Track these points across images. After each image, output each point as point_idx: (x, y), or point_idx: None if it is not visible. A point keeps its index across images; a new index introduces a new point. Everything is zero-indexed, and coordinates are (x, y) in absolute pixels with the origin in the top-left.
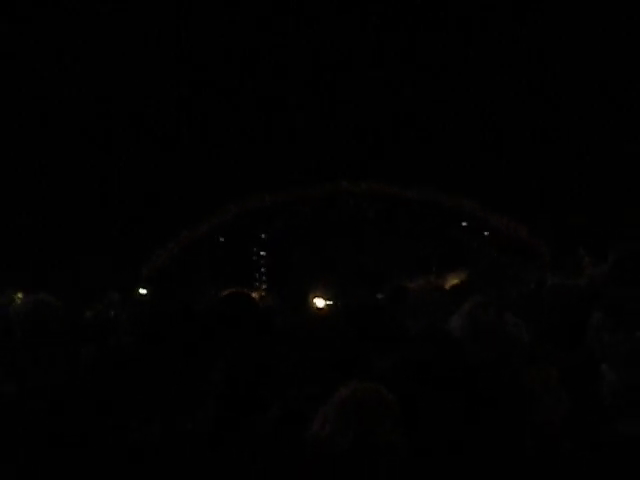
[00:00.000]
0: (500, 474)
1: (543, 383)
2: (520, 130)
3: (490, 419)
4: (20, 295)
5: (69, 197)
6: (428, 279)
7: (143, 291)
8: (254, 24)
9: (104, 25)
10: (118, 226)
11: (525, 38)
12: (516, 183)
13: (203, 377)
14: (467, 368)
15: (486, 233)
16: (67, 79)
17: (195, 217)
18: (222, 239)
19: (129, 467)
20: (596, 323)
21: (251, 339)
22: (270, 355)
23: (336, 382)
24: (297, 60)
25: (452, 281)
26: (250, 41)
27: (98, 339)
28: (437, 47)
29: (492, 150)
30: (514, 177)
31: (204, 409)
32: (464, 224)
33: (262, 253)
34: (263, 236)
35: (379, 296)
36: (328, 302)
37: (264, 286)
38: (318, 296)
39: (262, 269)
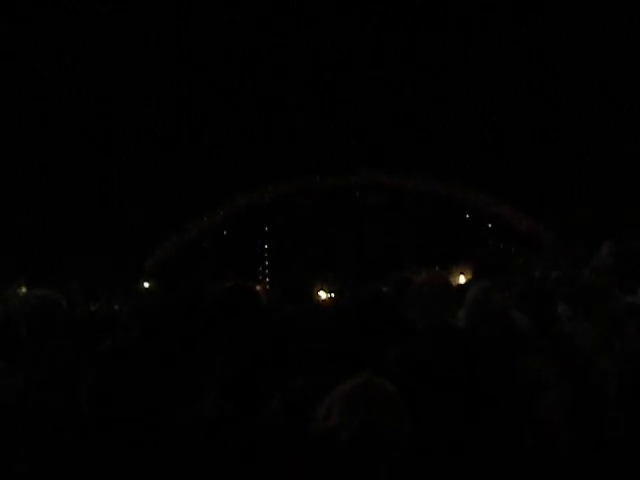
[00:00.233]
0: (500, 471)
1: (538, 375)
2: (523, 122)
3: (491, 416)
4: (24, 289)
5: (71, 192)
6: (432, 271)
7: (147, 285)
8: (254, 24)
9: (104, 25)
10: (121, 220)
11: (525, 38)
12: (520, 174)
13: (204, 369)
14: (470, 363)
15: (490, 225)
16: (67, 79)
17: (198, 210)
18: (225, 232)
19: (132, 458)
20: (562, 312)
21: (252, 330)
22: (271, 346)
23: (339, 374)
24: (297, 60)
25: (457, 273)
26: (250, 41)
27: (102, 333)
28: (437, 47)
29: (496, 142)
30: (518, 168)
31: (205, 400)
32: (468, 215)
33: (265, 246)
34: (266, 229)
35: (383, 288)
36: (331, 294)
37: (267, 279)
38: (321, 288)
39: (265, 262)
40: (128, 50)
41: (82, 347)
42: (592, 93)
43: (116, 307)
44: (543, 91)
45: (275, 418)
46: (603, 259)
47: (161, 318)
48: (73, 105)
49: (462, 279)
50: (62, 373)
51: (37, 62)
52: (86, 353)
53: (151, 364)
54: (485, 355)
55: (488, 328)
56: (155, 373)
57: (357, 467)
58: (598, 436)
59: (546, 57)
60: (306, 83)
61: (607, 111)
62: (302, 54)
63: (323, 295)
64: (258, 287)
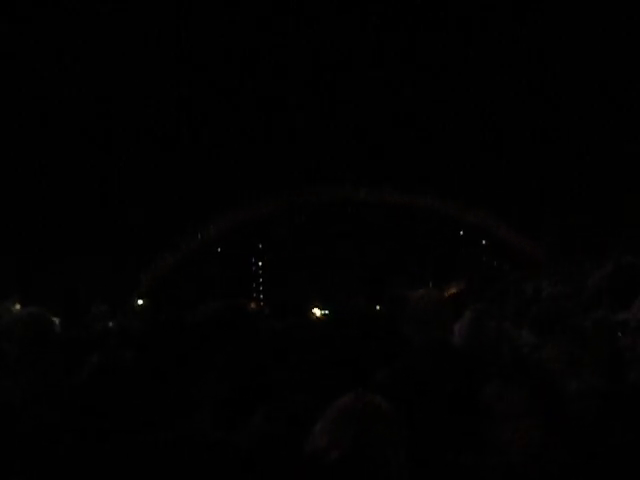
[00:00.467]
0: None
1: (508, 402)
2: (520, 139)
3: (488, 431)
4: (18, 306)
5: (67, 209)
6: (428, 288)
7: (140, 302)
8: (254, 24)
9: (104, 25)
10: (115, 237)
11: (525, 38)
12: (514, 191)
13: (197, 384)
14: (466, 380)
15: (484, 241)
16: (67, 79)
17: (192, 227)
18: (219, 249)
19: (125, 473)
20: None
21: (246, 345)
22: (264, 361)
23: (333, 390)
24: (297, 60)
25: (451, 290)
26: (250, 41)
27: (94, 349)
28: (437, 47)
29: (492, 158)
30: (512, 185)
31: (199, 414)
32: (462, 232)
33: (259, 263)
34: (260, 246)
35: (378, 305)
36: (325, 311)
37: (261, 296)
38: (316, 305)
39: (260, 279)
40: (128, 50)
41: (74, 364)
42: (589, 105)
43: (110, 324)
44: (541, 98)
45: (256, 436)
46: (597, 280)
47: (155, 334)
48: (71, 112)
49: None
50: (54, 388)
51: (37, 62)
52: (78, 369)
53: (144, 380)
54: (481, 372)
55: (482, 353)
56: (150, 389)
57: None
58: (573, 460)
59: (545, 60)
60: (306, 84)
61: (605, 129)
62: (302, 54)
63: (317, 312)
64: (252, 305)
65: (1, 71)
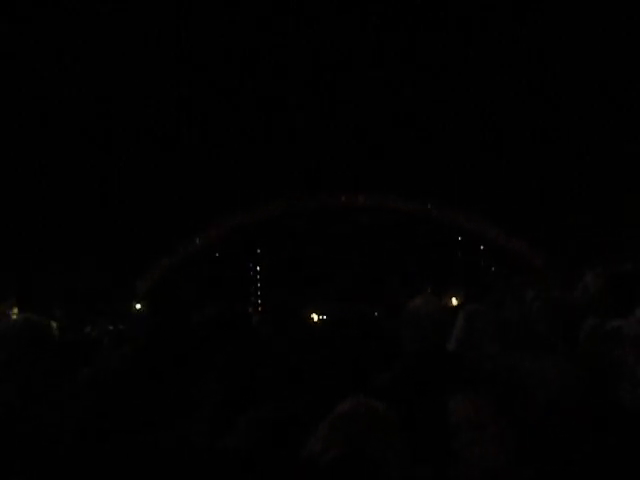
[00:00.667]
0: None
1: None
2: (519, 144)
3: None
4: (15, 310)
5: (63, 214)
6: (426, 295)
7: (138, 306)
8: (254, 24)
9: (104, 25)
10: (112, 241)
11: (525, 38)
12: (513, 196)
13: (196, 386)
14: (463, 385)
15: (482, 247)
16: (67, 79)
17: (189, 232)
18: (217, 253)
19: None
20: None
21: (244, 348)
22: (262, 363)
23: (331, 394)
24: (297, 60)
25: (449, 295)
26: (250, 41)
27: (92, 352)
28: (437, 47)
29: (490, 163)
30: (511, 190)
31: (198, 415)
32: (460, 238)
33: (257, 267)
34: (258, 250)
35: (376, 312)
36: (323, 316)
37: (259, 300)
38: (313, 310)
39: (257, 283)
40: (128, 50)
41: (73, 367)
42: (587, 111)
43: (110, 327)
44: (539, 110)
45: (252, 438)
46: (586, 288)
47: (155, 336)
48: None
49: (454, 301)
50: (53, 389)
51: (37, 62)
52: (78, 371)
53: (144, 381)
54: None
55: (478, 352)
56: (148, 390)
57: None
58: (538, 474)
59: (543, 66)
60: (306, 84)
61: (605, 131)
62: (302, 54)
63: (315, 317)
64: (249, 309)
65: (1, 71)
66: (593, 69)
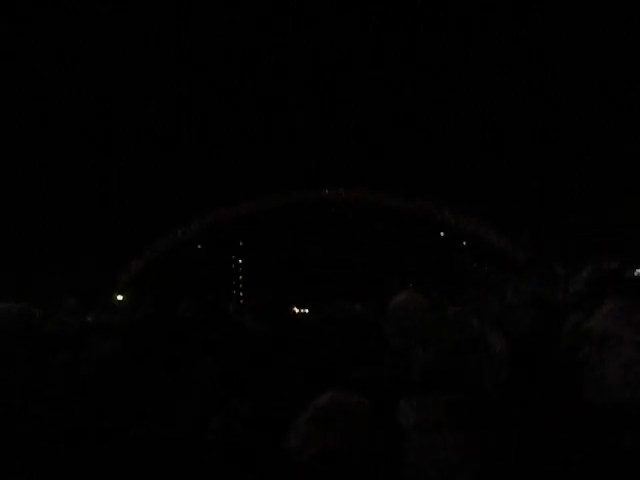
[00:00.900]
0: None
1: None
2: (506, 141)
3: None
4: None
5: (46, 206)
6: (410, 291)
7: (120, 297)
8: (254, 24)
9: (104, 25)
10: (93, 233)
11: (525, 38)
12: (497, 193)
13: (181, 381)
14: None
15: (464, 243)
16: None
17: (173, 223)
18: (199, 246)
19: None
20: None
21: (229, 343)
22: (245, 360)
23: (312, 390)
24: (297, 60)
25: (432, 291)
26: (250, 41)
27: (73, 345)
28: (437, 47)
29: (476, 161)
30: (494, 187)
31: (183, 413)
32: (443, 234)
33: (240, 260)
34: (241, 243)
35: (358, 306)
36: (306, 310)
37: (241, 293)
38: (297, 304)
39: (240, 276)
40: (128, 50)
41: (49, 358)
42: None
43: (89, 319)
44: (529, 111)
45: (234, 432)
46: (577, 285)
47: (139, 328)
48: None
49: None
50: (38, 383)
51: (37, 62)
52: (54, 364)
53: (131, 376)
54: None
55: (462, 357)
56: (134, 385)
57: None
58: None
59: (542, 67)
60: (306, 84)
61: (599, 133)
62: (302, 54)
63: (296, 310)
64: (232, 303)
65: (1, 71)
66: (590, 68)
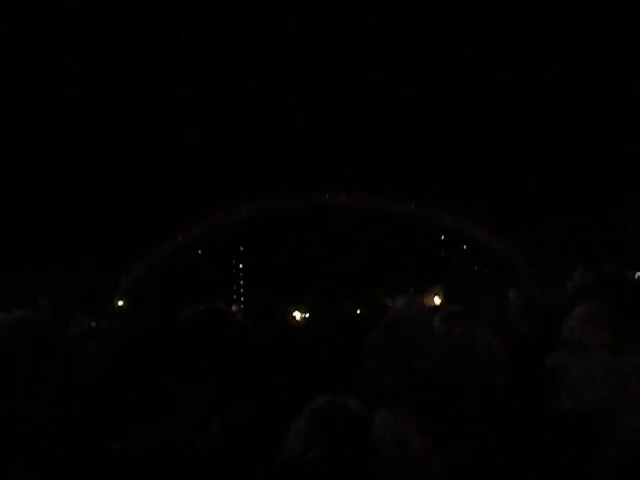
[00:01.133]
0: None
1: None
2: (505, 144)
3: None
4: None
5: (47, 209)
6: (409, 295)
7: (120, 303)
8: (254, 24)
9: (104, 25)
10: (95, 238)
11: (524, 39)
12: (496, 196)
13: (180, 385)
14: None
15: (465, 247)
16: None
17: (173, 229)
18: (200, 251)
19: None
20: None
21: (228, 353)
22: (244, 366)
23: (309, 394)
24: (299, 63)
25: (431, 295)
26: (250, 41)
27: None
28: (437, 47)
29: (473, 164)
30: (494, 190)
31: (181, 415)
32: (443, 237)
33: (240, 265)
34: (242, 248)
35: (357, 310)
36: (306, 315)
37: (242, 298)
38: (296, 309)
39: (240, 281)
40: (128, 50)
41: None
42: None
43: (92, 324)
44: (526, 114)
45: (211, 439)
46: (575, 284)
47: (139, 334)
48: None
49: (437, 301)
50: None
51: (37, 62)
52: (58, 367)
53: (129, 382)
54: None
55: (452, 358)
56: (133, 391)
57: None
58: None
59: (540, 68)
60: (306, 84)
61: (595, 134)
62: (302, 54)
63: (298, 316)
64: (233, 307)
65: (1, 71)
66: (590, 69)
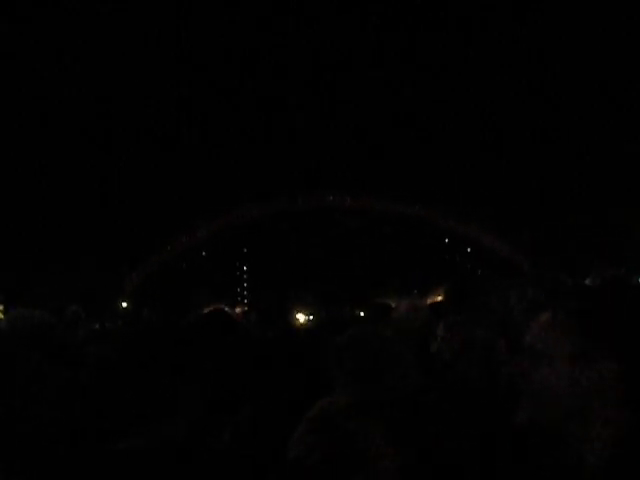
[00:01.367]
0: None
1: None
2: (507, 147)
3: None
4: (1, 307)
5: (51, 211)
6: (412, 298)
7: (125, 304)
8: (254, 24)
9: (104, 25)
10: (99, 240)
11: (524, 40)
12: (500, 198)
13: (183, 388)
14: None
15: (469, 249)
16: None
17: (178, 231)
18: (204, 253)
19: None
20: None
21: (231, 356)
22: (249, 367)
23: (314, 397)
24: (297, 60)
25: (435, 298)
26: (250, 41)
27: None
28: (437, 47)
29: (477, 166)
30: (497, 193)
31: (182, 417)
32: (447, 240)
33: (244, 267)
34: (245, 250)
35: (361, 312)
36: (310, 317)
37: (246, 300)
38: (300, 311)
39: (244, 284)
40: (128, 50)
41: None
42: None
43: (96, 326)
44: (528, 114)
45: (237, 440)
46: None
47: (142, 336)
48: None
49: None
50: (50, 388)
51: (37, 62)
52: (67, 369)
53: (132, 384)
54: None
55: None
56: (135, 393)
57: None
58: None
59: (540, 67)
60: (306, 84)
61: (596, 135)
62: (302, 54)
63: (302, 318)
64: (238, 310)
65: (1, 71)
66: (590, 70)
